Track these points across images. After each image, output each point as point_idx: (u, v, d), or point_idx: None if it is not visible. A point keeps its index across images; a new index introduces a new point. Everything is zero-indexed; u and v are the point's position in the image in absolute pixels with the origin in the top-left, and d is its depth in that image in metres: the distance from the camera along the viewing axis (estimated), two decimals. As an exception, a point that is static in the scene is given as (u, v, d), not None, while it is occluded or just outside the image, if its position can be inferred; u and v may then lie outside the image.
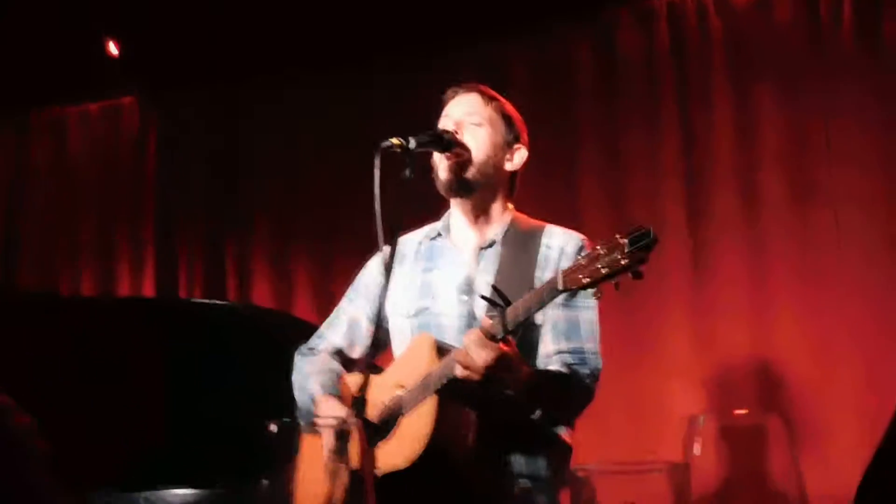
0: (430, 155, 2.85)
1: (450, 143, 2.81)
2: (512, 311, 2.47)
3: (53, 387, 3.57)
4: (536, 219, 2.93)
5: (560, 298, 2.49)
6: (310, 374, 2.92)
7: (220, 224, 5.93)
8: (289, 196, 5.77)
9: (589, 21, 5.17)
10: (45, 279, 6.04)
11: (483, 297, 2.58)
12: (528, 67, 5.23)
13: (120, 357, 3.76)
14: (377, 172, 2.47)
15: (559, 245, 2.83)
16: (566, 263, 2.74)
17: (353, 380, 2.89)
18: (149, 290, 5.94)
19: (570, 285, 2.32)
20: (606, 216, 4.96)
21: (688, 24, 5.01)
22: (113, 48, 5.69)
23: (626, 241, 2.21)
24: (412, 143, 2.64)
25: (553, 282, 2.38)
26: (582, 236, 2.87)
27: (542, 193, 4.74)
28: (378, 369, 2.88)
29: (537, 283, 2.69)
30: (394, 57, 5.46)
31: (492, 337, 2.47)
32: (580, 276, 2.29)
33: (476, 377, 2.47)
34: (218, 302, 4.41)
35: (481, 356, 2.45)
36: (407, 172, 2.54)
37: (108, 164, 6.20)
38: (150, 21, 5.43)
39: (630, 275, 2.21)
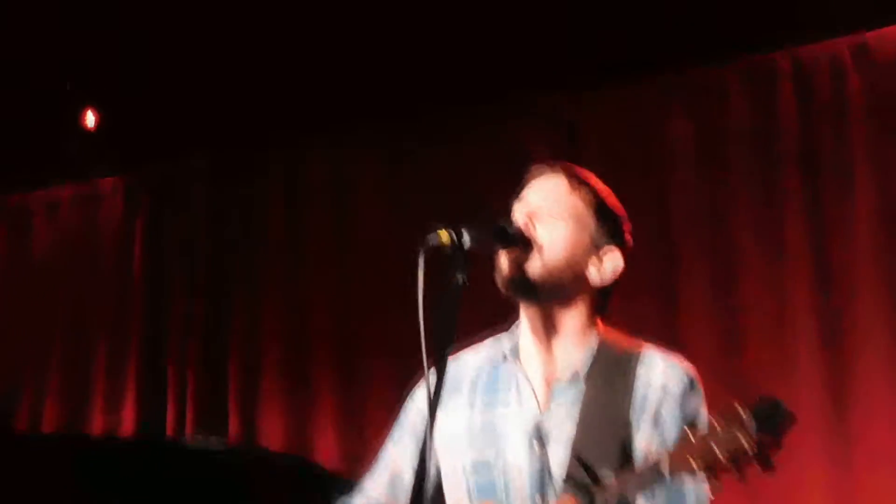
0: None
1: (515, 240, 2.78)
2: (602, 496, 2.45)
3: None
4: (628, 333, 2.90)
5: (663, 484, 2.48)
6: None
7: (222, 338, 5.97)
8: (309, 302, 5.83)
9: (687, 77, 5.23)
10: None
11: (567, 481, 2.58)
12: (602, 134, 5.32)
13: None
14: (420, 276, 2.46)
15: (661, 382, 2.78)
16: (670, 409, 2.71)
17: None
18: (128, 423, 5.96)
19: (677, 470, 2.32)
20: (713, 333, 4.99)
21: (818, 83, 5.04)
22: (90, 119, 5.75)
23: (749, 417, 2.19)
24: (466, 239, 2.62)
25: (657, 465, 2.37)
26: (690, 368, 2.82)
27: (630, 302, 4.73)
28: None
29: (634, 432, 2.68)
30: (435, 114, 5.58)
31: None
32: (690, 460, 2.28)
33: None
34: (215, 444, 4.37)
35: None
36: (459, 278, 2.54)
37: (82, 261, 6.29)
38: (138, 87, 5.55)
39: (757, 464, 2.20)
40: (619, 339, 2.88)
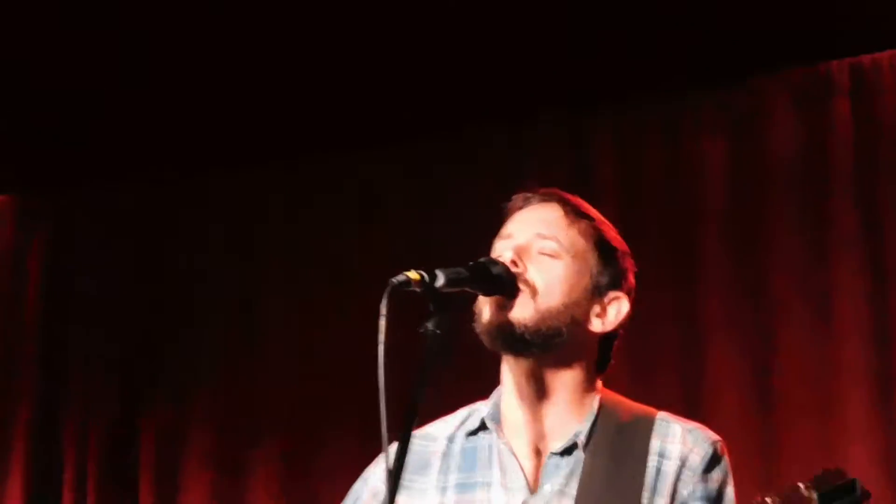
0: (475, 297, 2.82)
1: (503, 283, 2.77)
2: None
3: None
4: (638, 402, 2.91)
5: None
6: None
7: (134, 402, 5.99)
8: (248, 358, 5.89)
9: (718, 89, 5.30)
10: None
11: None
12: (612, 160, 5.42)
13: None
14: (382, 324, 2.48)
15: (679, 454, 2.78)
16: (692, 486, 2.73)
17: None
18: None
19: None
20: (746, 401, 5.03)
21: (882, 100, 5.08)
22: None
23: (815, 496, 2.20)
24: (440, 280, 2.62)
25: None
26: (715, 438, 2.83)
27: (649, 363, 4.79)
28: None
29: None
30: (394, 137, 5.67)
31: None
32: None
33: None
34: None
35: None
36: (430, 326, 2.55)
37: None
38: (36, 87, 5.59)
39: None
40: (626, 404, 2.89)
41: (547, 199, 2.91)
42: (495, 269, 2.76)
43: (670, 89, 5.33)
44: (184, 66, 5.43)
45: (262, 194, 6.02)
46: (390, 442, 2.45)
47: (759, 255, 5.16)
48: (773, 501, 2.22)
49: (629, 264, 2.91)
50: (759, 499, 2.24)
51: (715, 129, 5.28)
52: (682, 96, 5.35)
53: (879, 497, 4.78)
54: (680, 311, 5.17)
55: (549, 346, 2.79)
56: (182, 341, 6.01)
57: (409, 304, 2.57)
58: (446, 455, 2.91)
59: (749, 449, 4.82)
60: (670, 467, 2.76)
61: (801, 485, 2.20)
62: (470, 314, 2.83)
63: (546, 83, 5.33)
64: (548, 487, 2.77)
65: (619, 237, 2.91)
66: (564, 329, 2.80)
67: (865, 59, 5.11)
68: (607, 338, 2.88)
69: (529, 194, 2.92)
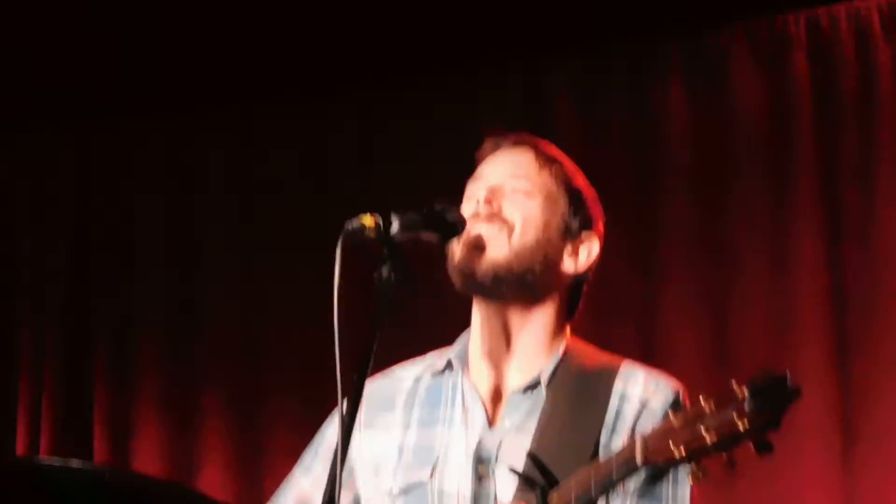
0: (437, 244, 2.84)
1: (458, 228, 2.81)
2: (560, 496, 2.46)
3: None
4: (597, 343, 2.95)
5: (637, 479, 2.50)
6: None
7: (86, 339, 5.97)
8: (197, 299, 5.88)
9: (679, 39, 5.29)
10: None
11: (513, 471, 2.58)
12: (574, 104, 5.39)
13: None
14: (337, 269, 2.50)
15: (641, 396, 2.82)
16: (650, 428, 2.68)
17: None
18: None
19: (654, 458, 2.34)
20: (705, 350, 5.05)
21: (839, 53, 5.04)
22: None
23: (745, 390, 2.20)
24: (395, 226, 2.64)
25: (628, 452, 2.39)
26: (678, 385, 2.87)
27: (605, 310, 4.77)
28: None
29: (603, 455, 2.69)
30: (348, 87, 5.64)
31: None
32: (670, 445, 2.29)
33: None
34: (73, 464, 4.35)
35: None
36: (384, 271, 2.56)
37: None
38: None
39: (752, 446, 2.21)
40: (592, 350, 2.92)
41: (518, 143, 2.95)
42: (450, 216, 2.78)
43: (634, 36, 5.31)
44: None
45: (211, 136, 5.99)
46: (344, 390, 2.45)
47: (719, 206, 5.16)
48: (704, 399, 2.26)
49: (598, 210, 2.95)
50: (695, 400, 2.29)
51: (677, 79, 5.26)
52: (644, 44, 5.33)
53: (831, 451, 4.84)
54: (638, 259, 5.18)
55: (520, 286, 2.83)
56: (126, 286, 5.99)
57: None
58: (411, 394, 2.95)
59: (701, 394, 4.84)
60: (630, 409, 2.79)
61: (734, 383, 2.23)
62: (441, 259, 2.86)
63: (507, 28, 5.29)
64: (507, 423, 2.81)
65: (588, 183, 2.95)
66: (537, 267, 2.84)
67: (822, 11, 5.09)
68: (577, 281, 2.92)
69: (500, 139, 2.96)
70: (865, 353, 4.88)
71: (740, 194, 5.13)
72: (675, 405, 2.78)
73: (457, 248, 2.82)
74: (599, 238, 2.94)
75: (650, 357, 4.68)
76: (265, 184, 5.84)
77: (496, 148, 2.96)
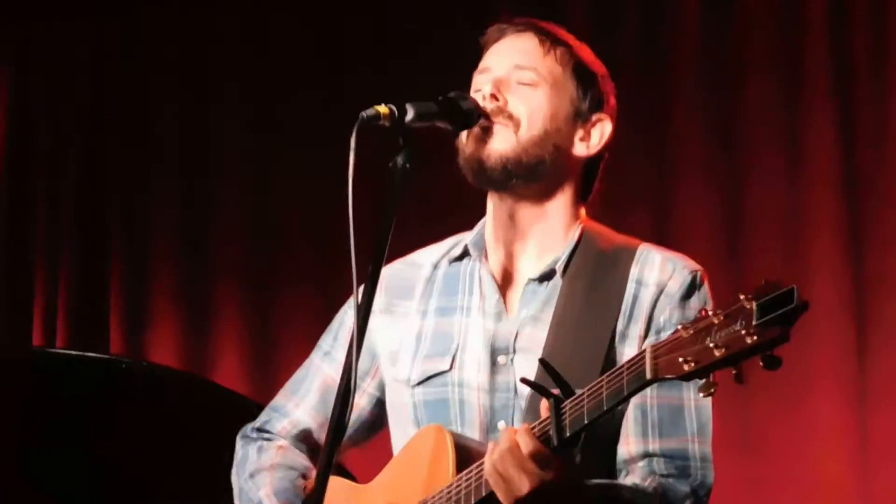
0: (453, 134, 2.84)
1: (473, 116, 2.79)
2: (573, 407, 2.46)
3: None
4: (622, 233, 2.93)
5: None
6: (259, 470, 2.96)
7: (101, 233, 6.01)
8: (212, 189, 5.92)
9: None
10: None
11: (524, 381, 2.57)
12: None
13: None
14: (352, 158, 2.50)
15: (658, 280, 2.80)
16: (668, 313, 2.75)
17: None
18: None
19: (664, 373, 2.32)
20: (719, 245, 5.08)
21: None
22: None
23: (753, 304, 2.19)
24: (410, 115, 2.63)
25: (638, 366, 2.37)
26: (697, 266, 2.85)
27: (620, 204, 4.79)
28: (350, 476, 2.95)
29: (620, 341, 2.73)
30: None
31: (545, 441, 2.48)
32: (680, 359, 2.28)
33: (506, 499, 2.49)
34: (88, 354, 4.42)
35: (524, 471, 2.46)
36: (399, 160, 2.57)
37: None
38: None
39: (760, 361, 2.20)
40: (609, 234, 2.90)
41: (522, 29, 2.91)
42: (465, 104, 2.77)
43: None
44: None
45: (225, 22, 5.98)
46: (360, 276, 2.46)
47: (732, 100, 5.15)
48: (714, 313, 2.25)
49: (609, 87, 2.92)
50: (703, 313, 2.27)
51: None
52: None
53: (845, 344, 4.88)
54: (652, 151, 5.18)
55: (531, 176, 2.82)
56: (140, 180, 6.02)
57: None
58: (430, 281, 2.95)
59: (717, 287, 4.86)
60: (647, 294, 2.78)
61: (741, 296, 2.21)
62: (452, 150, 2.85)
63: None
64: (524, 313, 2.81)
65: (597, 60, 2.93)
66: (547, 157, 2.83)
67: None
68: (593, 161, 2.90)
69: (504, 25, 2.92)
70: (879, 247, 4.90)
71: (753, 89, 5.11)
72: (692, 287, 2.79)
73: (466, 143, 2.82)
74: (612, 116, 2.91)
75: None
76: (279, 75, 5.84)
77: (500, 35, 2.92)
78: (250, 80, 5.90)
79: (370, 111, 2.57)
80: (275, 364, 5.53)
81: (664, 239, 4.99)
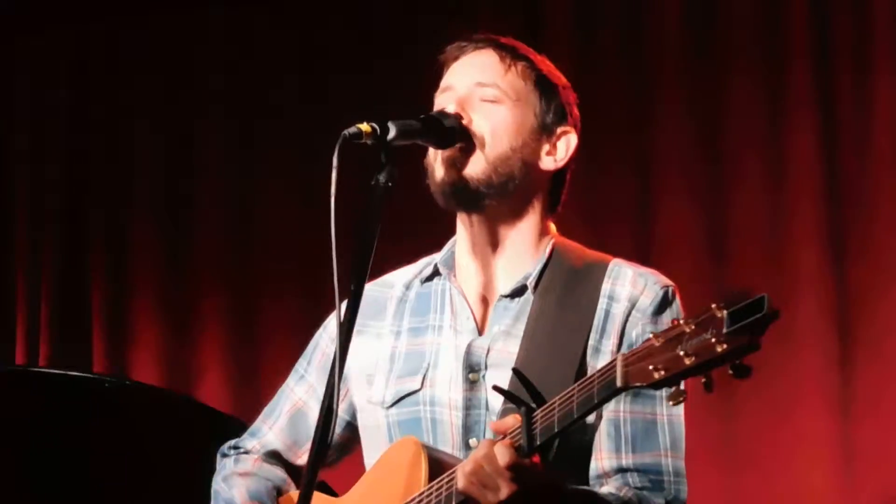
0: (425, 151, 2.83)
1: (454, 134, 2.79)
2: (544, 415, 2.46)
3: None
4: (592, 249, 2.93)
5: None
6: (233, 475, 2.98)
7: (83, 247, 6.01)
8: (194, 203, 5.92)
9: None
10: None
11: (497, 389, 2.58)
12: (567, 6, 5.35)
13: None
14: (334, 176, 2.50)
15: (630, 295, 2.80)
16: (640, 328, 2.74)
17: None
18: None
19: (634, 381, 2.32)
20: (701, 256, 5.09)
21: None
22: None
23: (724, 313, 2.19)
24: (392, 133, 2.64)
25: (609, 374, 2.37)
26: (668, 282, 2.85)
27: (601, 215, 4.83)
28: (330, 490, 2.94)
29: (592, 356, 2.72)
30: None
31: (517, 451, 2.47)
32: (650, 367, 2.27)
33: None
34: (70, 373, 4.42)
35: (497, 481, 2.45)
36: (382, 178, 2.58)
37: None
38: None
39: (730, 370, 2.18)
40: (579, 250, 2.90)
41: (481, 45, 2.90)
42: (447, 122, 2.77)
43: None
44: None
45: (202, 30, 5.99)
46: (342, 294, 2.46)
47: (714, 110, 5.16)
48: (685, 323, 2.24)
49: (571, 97, 2.92)
50: (674, 322, 2.27)
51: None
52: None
53: (828, 354, 4.88)
54: (634, 162, 5.17)
55: (501, 194, 2.81)
56: (122, 192, 6.02)
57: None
58: (402, 301, 2.95)
59: (697, 301, 4.86)
60: (619, 309, 2.78)
61: (713, 305, 2.21)
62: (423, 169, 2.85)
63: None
64: (495, 329, 2.81)
65: (557, 72, 2.92)
66: (516, 173, 2.82)
67: None
68: (559, 174, 2.90)
69: (464, 43, 2.92)
70: (862, 256, 4.90)
71: (735, 99, 5.11)
72: (665, 302, 2.79)
73: (436, 165, 2.82)
74: (576, 127, 2.90)
75: (646, 262, 4.71)
76: (263, 87, 5.85)
77: (460, 53, 2.91)
78: (234, 93, 5.89)
79: (352, 129, 2.58)
80: (258, 379, 5.53)
81: (646, 250, 5.02)
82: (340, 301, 2.48)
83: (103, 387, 4.11)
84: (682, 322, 2.25)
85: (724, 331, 2.17)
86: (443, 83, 2.90)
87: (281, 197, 5.73)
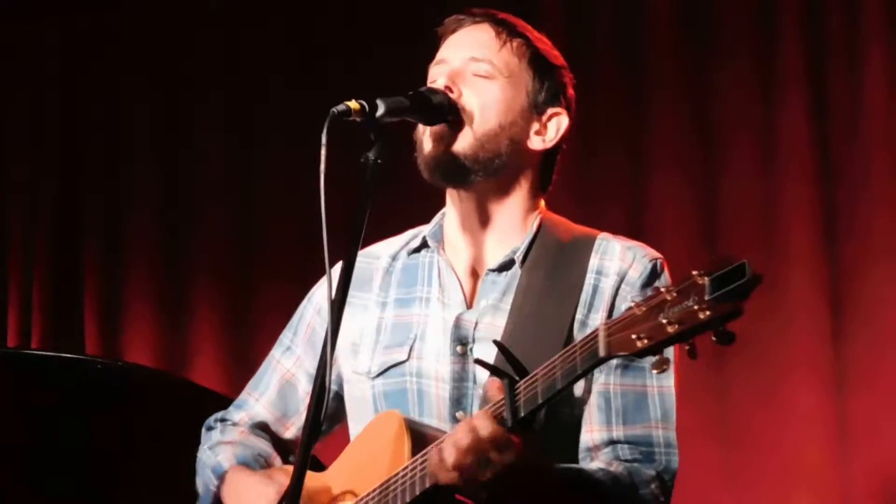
0: (415, 126, 2.84)
1: (443, 110, 2.79)
2: (527, 387, 2.46)
3: None
4: (582, 225, 2.93)
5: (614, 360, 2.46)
6: (219, 443, 2.99)
7: (76, 232, 6.00)
8: (187, 188, 5.93)
9: None
10: None
11: (479, 362, 2.58)
12: None
13: None
14: (323, 153, 2.50)
15: (618, 269, 2.81)
16: (630, 301, 2.68)
17: (283, 479, 2.84)
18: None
19: (616, 350, 2.32)
20: (693, 236, 5.09)
21: None
22: None
23: (706, 280, 2.18)
24: (381, 110, 2.64)
25: (591, 344, 2.36)
26: (657, 254, 2.85)
27: (593, 196, 4.82)
28: (319, 465, 2.93)
29: (579, 329, 2.72)
30: None
31: (500, 423, 2.46)
32: (633, 336, 2.27)
33: (470, 487, 2.47)
34: (62, 354, 4.42)
35: (481, 454, 2.44)
36: (371, 155, 2.58)
37: None
38: None
39: (713, 336, 2.18)
40: (567, 225, 2.90)
41: (478, 20, 2.90)
42: (436, 98, 2.77)
43: None
44: None
45: (199, 18, 5.99)
46: (332, 269, 2.48)
47: (707, 93, 5.15)
48: (667, 290, 2.24)
49: (567, 79, 2.91)
50: (657, 290, 2.27)
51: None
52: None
53: (820, 329, 4.89)
54: (627, 144, 5.16)
55: (489, 171, 2.81)
56: (115, 180, 6.03)
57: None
58: (388, 272, 2.96)
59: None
60: (607, 283, 2.79)
61: (694, 272, 2.20)
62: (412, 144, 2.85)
63: None
64: (483, 303, 2.81)
65: (555, 52, 2.91)
66: (504, 150, 2.82)
67: None
68: (549, 154, 2.90)
69: (461, 16, 2.91)
70: (853, 233, 4.91)
71: (727, 81, 5.11)
72: (653, 275, 2.79)
73: (424, 139, 2.82)
74: (570, 108, 2.90)
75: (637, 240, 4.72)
76: (254, 74, 5.84)
77: (457, 26, 2.91)
78: (225, 80, 5.89)
79: (341, 107, 2.58)
80: (251, 363, 5.43)
81: (639, 231, 4.98)
82: (330, 278, 2.49)
83: (95, 368, 4.12)
84: (663, 290, 2.25)
85: (707, 297, 2.17)
86: (438, 55, 2.91)
87: (274, 181, 5.72)
